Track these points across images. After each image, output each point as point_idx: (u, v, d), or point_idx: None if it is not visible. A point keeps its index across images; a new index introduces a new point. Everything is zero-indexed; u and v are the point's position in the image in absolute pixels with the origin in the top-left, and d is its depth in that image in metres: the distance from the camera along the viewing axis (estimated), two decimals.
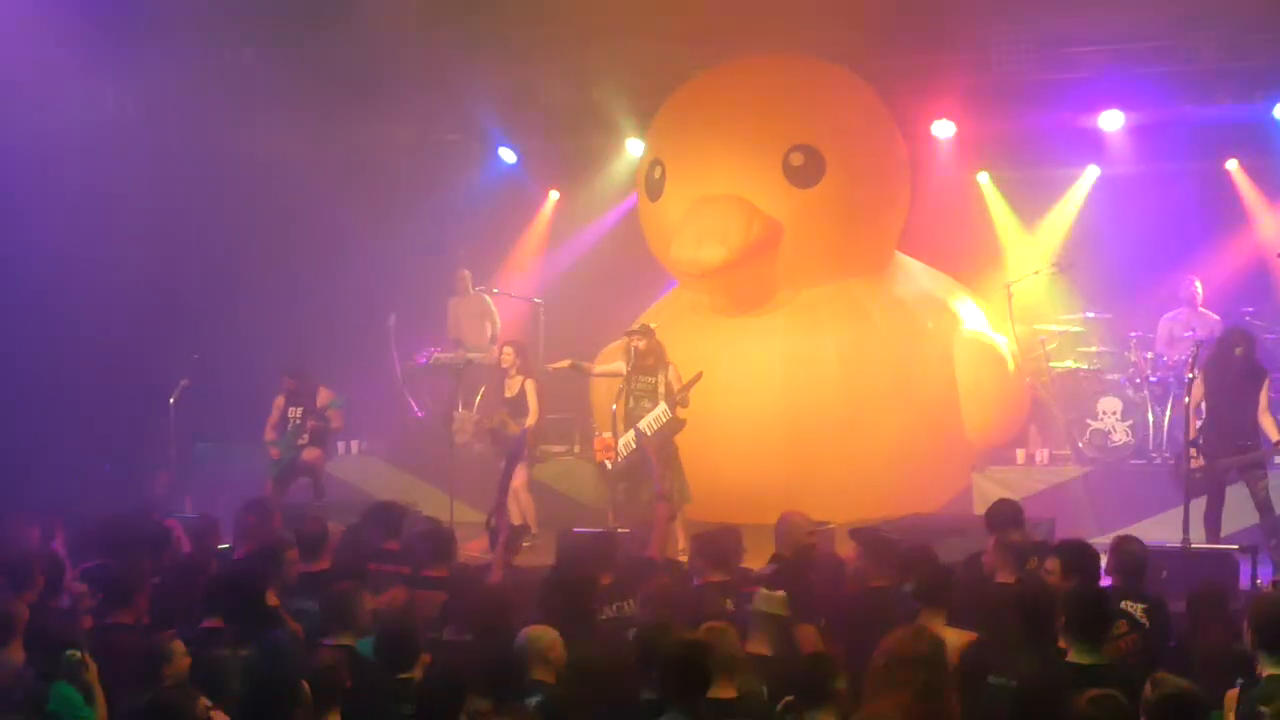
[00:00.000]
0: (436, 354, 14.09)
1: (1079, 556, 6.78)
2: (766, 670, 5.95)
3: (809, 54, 12.51)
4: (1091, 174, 14.09)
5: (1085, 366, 12.78)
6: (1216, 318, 12.72)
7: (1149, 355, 12.46)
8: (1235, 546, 9.43)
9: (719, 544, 7.53)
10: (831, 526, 9.86)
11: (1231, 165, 13.68)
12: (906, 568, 6.93)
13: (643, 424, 10.70)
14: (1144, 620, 6.76)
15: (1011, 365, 12.50)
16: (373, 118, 13.94)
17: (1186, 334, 12.40)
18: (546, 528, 11.28)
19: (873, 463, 11.68)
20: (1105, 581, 6.98)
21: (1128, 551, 7.17)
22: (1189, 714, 4.91)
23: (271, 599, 6.98)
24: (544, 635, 6.01)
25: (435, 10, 12.28)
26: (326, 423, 12.02)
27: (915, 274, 12.86)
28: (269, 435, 12.02)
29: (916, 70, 12.91)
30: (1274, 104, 12.67)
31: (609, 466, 10.94)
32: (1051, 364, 12.84)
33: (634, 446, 10.70)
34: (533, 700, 5.69)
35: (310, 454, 11.94)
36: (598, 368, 11.80)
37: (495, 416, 12.16)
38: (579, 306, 14.19)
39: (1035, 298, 13.37)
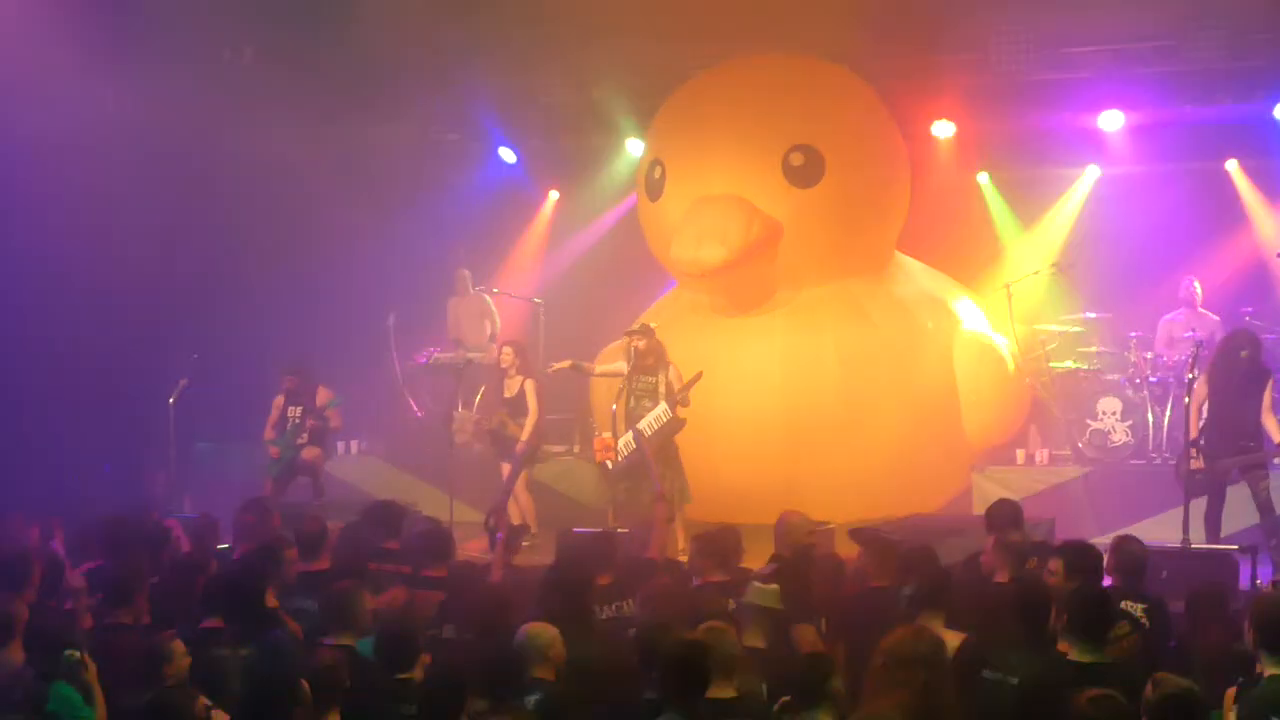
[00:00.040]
0: (436, 354, 14.10)
1: (1082, 557, 6.78)
2: (761, 664, 5.95)
3: (809, 54, 12.50)
4: (1091, 174, 14.10)
5: (1085, 367, 12.78)
6: (1216, 318, 12.74)
7: (1149, 355, 12.47)
8: (1235, 547, 9.44)
9: (721, 543, 7.54)
10: (831, 526, 9.86)
11: (1231, 165, 13.68)
12: (907, 569, 6.93)
13: (642, 424, 10.71)
14: (1144, 620, 6.77)
15: (1011, 365, 12.50)
16: (373, 118, 13.94)
17: (1186, 334, 12.40)
18: (547, 528, 11.28)
19: (872, 463, 11.68)
20: (1105, 582, 6.98)
21: (1127, 552, 7.17)
22: (1190, 714, 4.92)
23: (270, 600, 6.98)
24: (544, 633, 6.01)
25: (435, 10, 12.27)
26: (325, 422, 12.02)
27: (915, 274, 12.86)
28: (268, 434, 12.02)
29: (916, 70, 12.90)
30: (1274, 104, 12.66)
31: (609, 466, 10.94)
32: (1051, 364, 12.84)
33: (634, 446, 10.70)
34: (532, 699, 5.69)
35: (309, 453, 11.94)
36: (599, 368, 11.79)
37: (495, 417, 12.16)
38: (579, 306, 14.20)
39: (1035, 298, 13.38)
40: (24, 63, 11.22)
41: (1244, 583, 8.95)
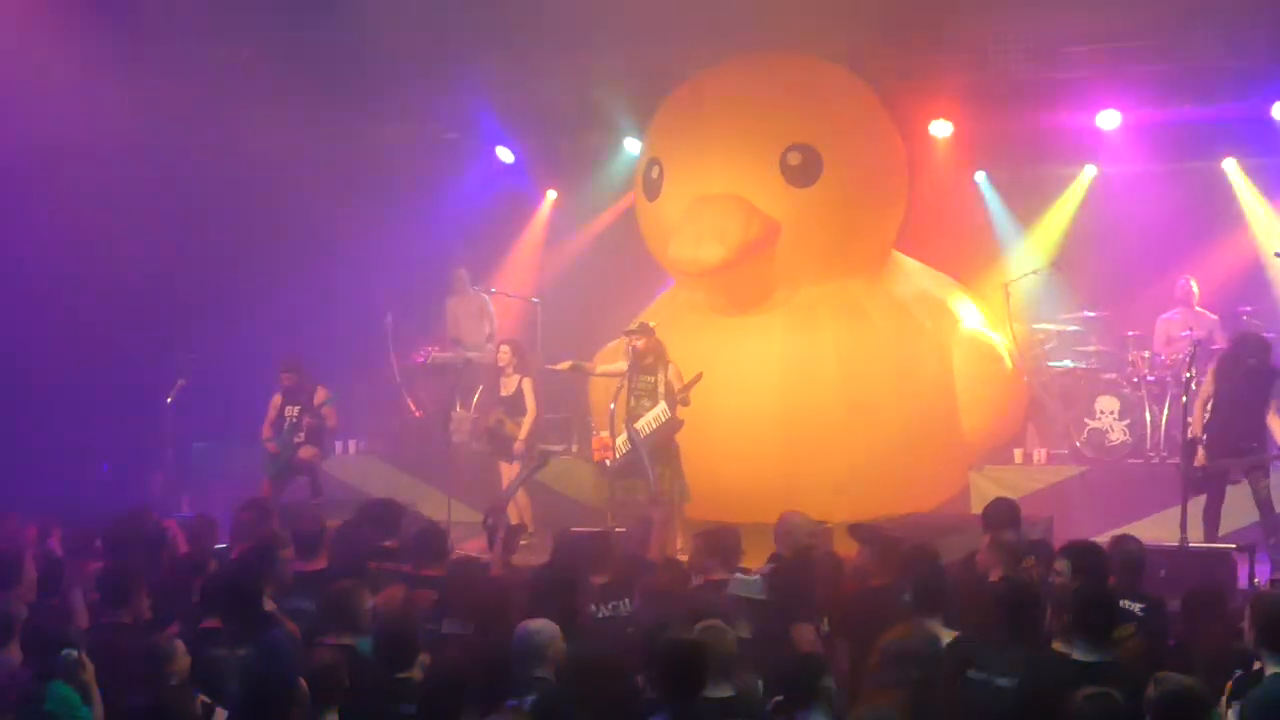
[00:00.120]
0: (434, 353, 14.10)
1: (1087, 557, 6.79)
2: (749, 652, 5.93)
3: (807, 54, 12.50)
4: (1089, 173, 14.10)
5: (1083, 366, 12.79)
6: (1214, 317, 12.74)
7: (1146, 354, 12.48)
8: (1233, 546, 9.45)
9: (722, 542, 7.55)
10: (829, 525, 9.86)
11: (1229, 164, 13.68)
12: (907, 568, 6.94)
13: (640, 424, 10.70)
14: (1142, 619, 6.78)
15: (1009, 364, 12.50)
16: (371, 117, 13.95)
17: (1184, 333, 12.42)
18: (545, 527, 11.26)
19: (870, 462, 11.68)
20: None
21: (1125, 551, 7.19)
22: (1192, 711, 4.93)
23: (267, 603, 6.96)
24: (544, 630, 5.99)
25: (434, 10, 12.27)
26: (322, 420, 12.02)
27: (913, 273, 12.86)
28: (266, 433, 12.02)
29: (914, 70, 12.91)
30: (1271, 103, 12.67)
31: (607, 465, 10.94)
32: (1049, 363, 12.84)
33: (631, 445, 10.70)
34: (531, 698, 5.68)
35: (307, 452, 11.94)
36: (599, 368, 11.79)
37: (492, 415, 12.17)
38: (577, 306, 14.20)
39: (1033, 297, 13.38)
40: (24, 63, 11.21)
41: (1242, 581, 8.97)
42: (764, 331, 12.00)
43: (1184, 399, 10.49)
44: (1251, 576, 9.16)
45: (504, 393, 12.10)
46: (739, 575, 6.65)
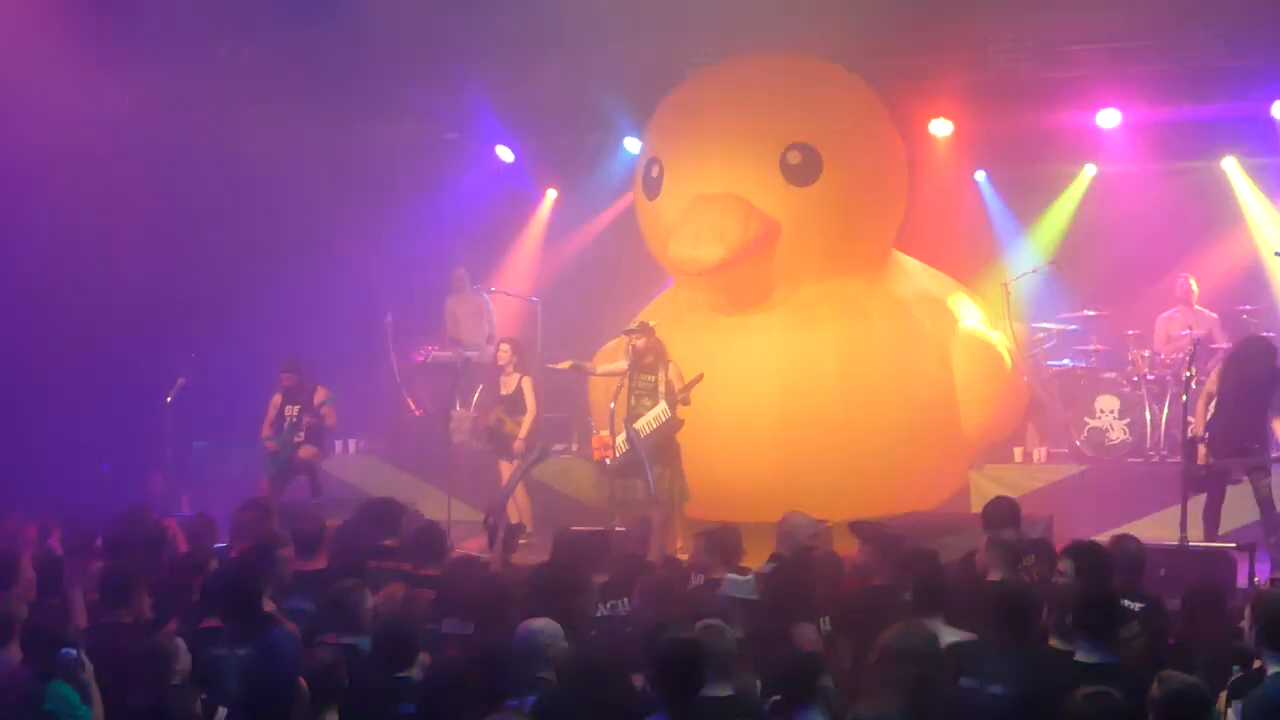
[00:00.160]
0: (434, 352, 14.10)
1: (1092, 558, 6.79)
2: (744, 652, 5.93)
3: (807, 53, 12.49)
4: (1089, 172, 14.11)
5: (1083, 365, 12.79)
6: (1214, 316, 12.75)
7: (1146, 353, 12.48)
8: (1233, 545, 9.45)
9: (724, 541, 7.55)
10: (829, 525, 9.85)
11: (1228, 163, 13.69)
12: (906, 567, 6.94)
13: (639, 423, 10.69)
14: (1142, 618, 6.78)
15: (1009, 363, 12.50)
16: (371, 117, 13.95)
17: (1183, 332, 12.42)
18: (545, 526, 11.25)
19: (870, 461, 11.67)
20: None
21: (1125, 550, 7.19)
22: (1194, 710, 4.94)
23: (267, 603, 6.96)
24: (546, 629, 5.98)
25: (434, 9, 12.27)
26: (322, 420, 12.02)
27: (913, 272, 12.85)
28: (266, 432, 12.02)
29: (914, 69, 12.91)
30: (1271, 102, 12.67)
31: (607, 464, 10.94)
32: (1049, 362, 12.83)
33: (630, 445, 10.70)
34: (531, 699, 5.68)
35: (307, 451, 11.94)
36: (599, 367, 11.78)
37: (492, 414, 12.17)
38: (577, 305, 14.20)
39: (1033, 296, 13.38)
40: (24, 63, 11.22)
41: (1242, 580, 8.97)
42: (763, 331, 11.99)
43: (1184, 398, 10.48)
44: (1251, 576, 9.16)
45: (504, 391, 12.10)
46: (731, 576, 6.65)
